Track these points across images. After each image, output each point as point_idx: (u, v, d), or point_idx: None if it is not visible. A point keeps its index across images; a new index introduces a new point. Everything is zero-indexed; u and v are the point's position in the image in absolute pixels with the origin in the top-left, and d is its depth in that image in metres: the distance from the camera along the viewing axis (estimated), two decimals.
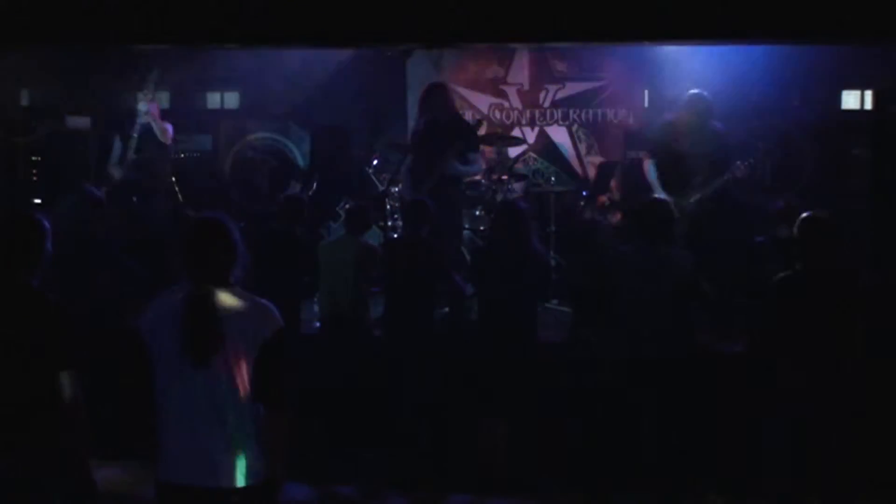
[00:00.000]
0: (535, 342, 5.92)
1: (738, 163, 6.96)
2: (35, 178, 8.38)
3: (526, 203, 8.08)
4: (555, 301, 7.72)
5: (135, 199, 7.61)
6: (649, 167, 7.23)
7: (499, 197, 7.87)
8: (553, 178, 9.09)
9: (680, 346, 5.26)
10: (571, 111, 9.59)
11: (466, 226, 7.87)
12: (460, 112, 8.39)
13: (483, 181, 8.20)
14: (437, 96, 7.17)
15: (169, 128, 7.91)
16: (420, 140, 7.10)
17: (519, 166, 8.82)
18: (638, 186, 7.52)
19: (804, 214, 5.27)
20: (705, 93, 7.11)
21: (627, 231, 7.45)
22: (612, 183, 9.00)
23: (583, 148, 9.60)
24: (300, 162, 9.49)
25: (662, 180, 7.15)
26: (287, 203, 6.47)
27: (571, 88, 9.57)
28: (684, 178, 7.08)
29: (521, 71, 9.65)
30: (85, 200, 6.13)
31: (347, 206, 6.53)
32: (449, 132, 7.07)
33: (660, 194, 6.90)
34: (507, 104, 9.69)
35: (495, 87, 9.70)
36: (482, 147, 8.15)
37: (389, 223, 7.72)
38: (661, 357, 5.17)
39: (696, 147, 7.06)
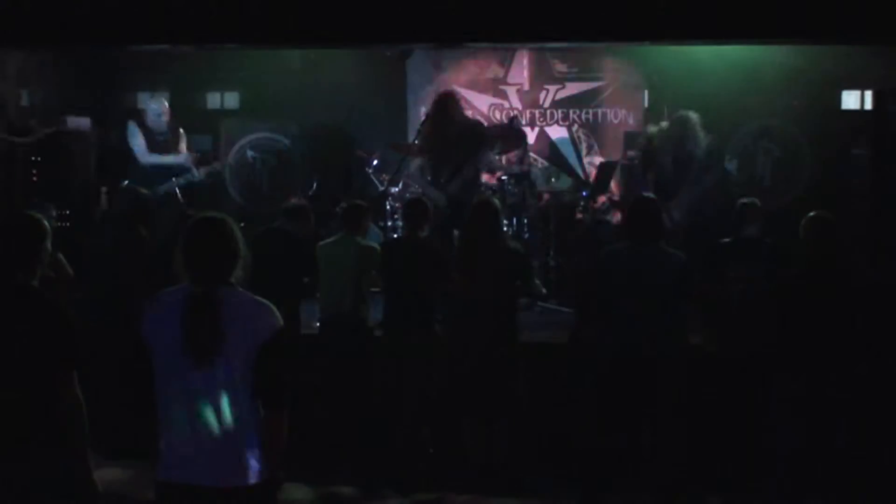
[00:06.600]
0: (515, 338, 5.81)
1: (709, 183, 6.97)
2: (35, 178, 8.36)
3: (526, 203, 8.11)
4: (552, 301, 7.71)
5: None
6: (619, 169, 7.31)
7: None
8: (553, 179, 9.10)
9: (674, 345, 5.24)
10: (571, 111, 9.60)
11: None
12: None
13: (493, 182, 8.20)
14: (449, 105, 7.26)
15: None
16: (441, 146, 7.17)
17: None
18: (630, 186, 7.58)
19: (808, 214, 5.28)
20: (692, 115, 7.06)
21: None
22: (612, 183, 9.01)
23: (583, 148, 9.60)
24: (300, 162, 9.48)
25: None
26: (292, 211, 6.43)
27: (571, 88, 9.58)
28: (656, 187, 7.08)
29: (521, 71, 9.65)
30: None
31: (342, 206, 6.52)
32: (468, 137, 7.22)
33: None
34: (507, 104, 9.69)
35: (495, 87, 9.71)
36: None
37: (389, 223, 7.71)
38: (656, 356, 5.15)
39: (672, 166, 7.07)
